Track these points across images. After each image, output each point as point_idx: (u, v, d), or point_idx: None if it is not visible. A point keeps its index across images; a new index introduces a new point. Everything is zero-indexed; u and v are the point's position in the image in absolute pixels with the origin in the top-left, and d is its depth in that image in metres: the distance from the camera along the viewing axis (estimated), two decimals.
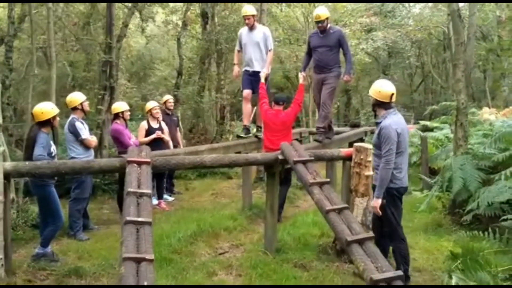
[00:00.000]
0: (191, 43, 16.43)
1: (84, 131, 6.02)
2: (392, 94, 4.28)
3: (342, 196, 5.16)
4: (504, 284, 4.25)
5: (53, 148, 5.16)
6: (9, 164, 4.37)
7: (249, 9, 7.28)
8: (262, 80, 6.92)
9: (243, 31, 7.48)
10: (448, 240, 5.53)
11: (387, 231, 4.23)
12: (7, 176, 4.29)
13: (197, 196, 8.63)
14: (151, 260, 3.06)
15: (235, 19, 13.37)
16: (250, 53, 7.31)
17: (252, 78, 7.28)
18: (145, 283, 2.86)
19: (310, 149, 5.68)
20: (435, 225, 6.34)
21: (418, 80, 26.75)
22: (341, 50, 6.94)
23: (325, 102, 6.89)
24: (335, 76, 6.87)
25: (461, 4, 6.69)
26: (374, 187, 4.35)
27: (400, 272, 3.16)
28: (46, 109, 5.13)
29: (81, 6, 14.26)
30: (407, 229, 6.17)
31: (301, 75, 6.96)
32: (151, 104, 7.71)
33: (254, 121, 8.47)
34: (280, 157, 4.89)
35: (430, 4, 19.28)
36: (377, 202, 4.17)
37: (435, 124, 10.12)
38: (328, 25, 6.82)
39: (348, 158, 5.09)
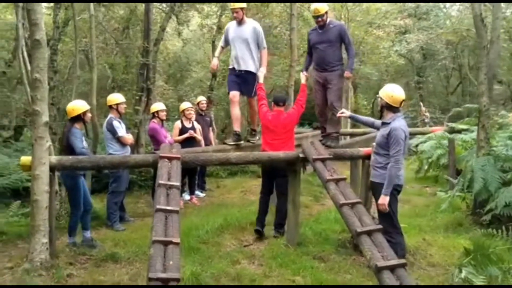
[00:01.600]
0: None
1: (121, 130, 6.51)
2: (403, 100, 4.55)
3: (361, 193, 5.41)
4: None
5: (85, 142, 5.67)
6: (54, 158, 4.85)
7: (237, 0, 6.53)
8: (261, 80, 6.40)
9: (231, 25, 6.75)
10: (466, 238, 5.66)
11: (385, 225, 4.40)
12: (52, 168, 4.77)
13: (227, 193, 9.00)
14: (177, 243, 3.45)
15: (267, 23, 13.73)
16: (237, 50, 6.59)
17: (238, 79, 6.65)
18: (171, 263, 3.24)
19: (331, 148, 5.96)
20: (456, 224, 6.47)
21: (455, 82, 26.33)
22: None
23: (334, 105, 6.30)
24: (339, 76, 6.37)
25: (485, 5, 6.76)
26: (372, 184, 4.64)
27: (403, 260, 3.42)
28: (77, 105, 5.65)
29: (121, 11, 14.96)
30: (427, 228, 6.44)
31: (303, 75, 6.43)
32: (184, 105, 8.15)
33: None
34: (300, 155, 5.21)
35: (461, 6, 19.06)
36: (385, 199, 4.42)
37: (462, 126, 10.15)
38: (328, 20, 6.38)
39: (367, 157, 5.34)
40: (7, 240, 5.60)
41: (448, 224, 6.54)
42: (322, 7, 6.24)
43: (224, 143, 6.95)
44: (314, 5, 6.27)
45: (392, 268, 3.34)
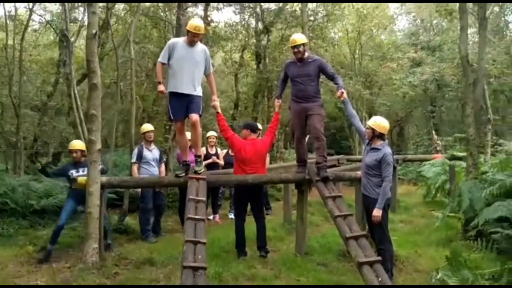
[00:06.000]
0: (246, 80, 18.14)
1: (134, 156, 7.60)
2: (389, 129, 5.53)
3: (357, 212, 6.34)
4: (486, 283, 5.28)
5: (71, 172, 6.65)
6: (104, 178, 5.96)
7: (198, 23, 6.02)
8: (219, 110, 6.56)
9: (179, 42, 6.01)
10: None
11: (377, 235, 5.31)
12: (102, 186, 5.87)
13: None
14: (204, 243, 4.48)
15: (284, 60, 14.95)
16: (189, 73, 5.93)
17: (184, 104, 6.00)
18: (199, 257, 4.26)
19: (336, 171, 6.94)
20: (448, 240, 7.29)
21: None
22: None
23: (319, 134, 6.16)
24: (320, 106, 6.28)
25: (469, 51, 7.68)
26: (369, 199, 5.41)
27: (379, 258, 4.35)
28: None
29: (152, 47, 16.42)
30: (421, 243, 7.28)
31: (277, 103, 6.68)
32: (208, 134, 9.28)
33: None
34: (307, 177, 6.20)
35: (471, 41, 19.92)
36: (379, 212, 5.32)
37: (462, 154, 10.97)
38: (306, 54, 6.34)
39: None
40: (60, 248, 6.66)
41: (440, 240, 7.36)
42: (300, 38, 6.26)
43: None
44: (292, 36, 6.37)
45: (371, 264, 4.28)
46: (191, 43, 5.94)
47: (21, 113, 11.40)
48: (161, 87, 6.00)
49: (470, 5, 10.11)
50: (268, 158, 9.58)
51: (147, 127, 7.94)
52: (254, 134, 6.56)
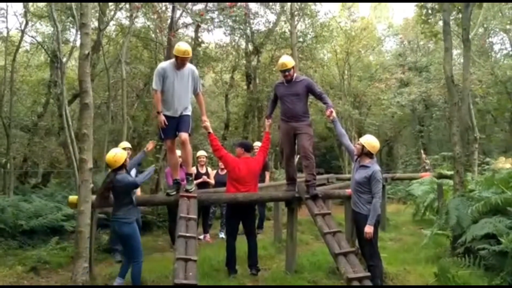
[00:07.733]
0: (237, 100, 18.31)
1: None
2: (379, 149, 5.66)
3: (347, 229, 6.40)
4: None
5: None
6: (95, 197, 5.98)
7: (185, 47, 5.98)
8: (211, 130, 6.59)
9: (168, 67, 6.00)
10: None
11: (367, 251, 5.39)
12: (93, 206, 5.88)
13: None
14: (194, 260, 4.52)
15: (274, 80, 15.17)
16: (179, 95, 6.04)
17: (175, 124, 6.10)
18: (190, 274, 4.29)
19: (325, 189, 7.02)
20: (436, 257, 7.37)
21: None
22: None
23: (307, 153, 6.27)
24: (308, 125, 6.43)
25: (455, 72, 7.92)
26: (359, 215, 5.52)
27: (368, 273, 4.40)
28: (118, 155, 5.56)
29: (142, 68, 16.56)
30: (410, 260, 7.35)
31: (267, 122, 6.83)
32: (198, 153, 9.33)
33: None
34: (296, 195, 6.28)
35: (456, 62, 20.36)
36: (371, 229, 5.41)
37: (450, 172, 11.11)
38: (294, 75, 6.48)
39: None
40: (50, 268, 6.65)
41: (429, 257, 7.43)
42: (289, 61, 6.40)
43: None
44: (281, 60, 6.46)
45: (360, 279, 4.34)
46: (179, 67, 5.99)
47: (11, 133, 11.38)
48: (162, 117, 6.00)
49: (454, 27, 10.40)
50: (268, 177, 9.66)
51: (123, 144, 7.91)
52: (248, 154, 6.66)
